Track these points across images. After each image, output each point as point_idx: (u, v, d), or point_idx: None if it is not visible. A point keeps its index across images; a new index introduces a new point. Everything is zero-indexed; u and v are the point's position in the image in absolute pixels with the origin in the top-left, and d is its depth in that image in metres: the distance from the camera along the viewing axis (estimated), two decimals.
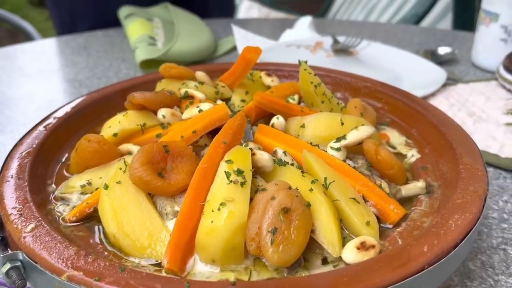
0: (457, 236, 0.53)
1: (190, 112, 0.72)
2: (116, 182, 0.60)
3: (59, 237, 0.53)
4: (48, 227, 0.55)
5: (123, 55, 1.62)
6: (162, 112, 0.73)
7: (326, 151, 0.69)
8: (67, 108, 0.83)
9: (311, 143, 0.69)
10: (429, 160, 0.75)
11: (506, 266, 0.70)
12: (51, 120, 0.78)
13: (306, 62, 0.77)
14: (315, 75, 0.78)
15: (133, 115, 0.74)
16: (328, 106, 0.79)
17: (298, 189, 0.56)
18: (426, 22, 2.55)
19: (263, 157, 0.60)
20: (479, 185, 0.61)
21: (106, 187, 0.59)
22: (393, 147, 0.80)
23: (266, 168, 0.61)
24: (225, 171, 0.55)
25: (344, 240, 0.57)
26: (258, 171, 0.61)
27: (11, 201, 0.59)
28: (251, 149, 0.61)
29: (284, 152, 0.64)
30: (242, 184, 0.54)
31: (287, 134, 0.70)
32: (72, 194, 0.65)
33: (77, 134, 0.78)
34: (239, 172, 0.55)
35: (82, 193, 0.65)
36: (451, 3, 2.51)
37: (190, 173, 0.60)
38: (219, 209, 0.53)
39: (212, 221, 0.52)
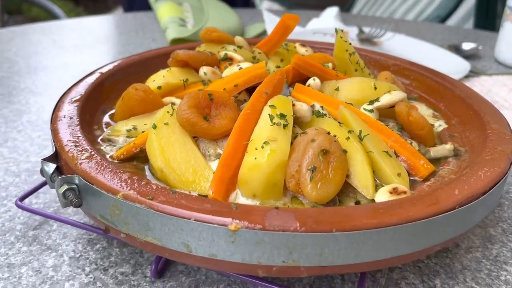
0: (486, 184, 0.56)
1: (231, 70, 0.76)
2: (164, 123, 0.64)
3: (112, 164, 0.57)
4: (101, 156, 0.59)
5: (153, 35, 1.67)
6: (204, 70, 0.77)
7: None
8: (111, 66, 0.87)
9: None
10: (456, 129, 0.78)
11: None
12: (96, 75, 0.83)
13: (342, 30, 0.81)
14: (350, 44, 0.82)
15: (176, 71, 0.78)
16: (361, 75, 0.82)
17: (336, 136, 0.60)
18: (448, 24, 2.57)
19: (303, 107, 0.64)
20: (507, 146, 0.64)
21: (154, 127, 0.63)
22: None
23: (304, 119, 0.64)
24: (269, 114, 0.59)
25: (376, 188, 0.60)
26: (297, 121, 0.65)
27: (65, 135, 0.63)
28: (291, 100, 0.65)
29: (322, 107, 0.67)
30: (285, 126, 0.58)
31: (323, 93, 0.73)
32: (118, 137, 0.70)
33: (122, 88, 0.82)
34: (282, 116, 0.59)
35: (127, 137, 0.70)
36: (474, 8, 2.53)
37: (233, 120, 0.64)
38: (262, 147, 0.56)
39: (255, 158, 0.56)
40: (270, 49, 0.88)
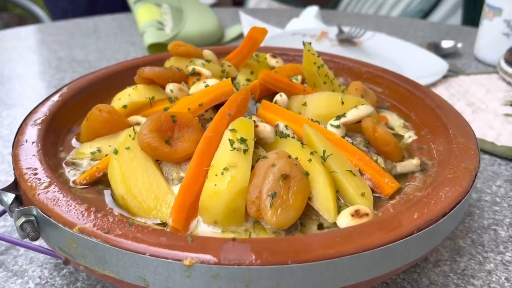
0: (446, 206, 0.56)
1: (197, 87, 0.75)
2: (126, 148, 0.63)
3: (71, 195, 0.56)
4: (60, 186, 0.58)
5: (132, 39, 1.65)
6: (170, 87, 0.76)
7: (326, 127, 0.72)
8: (80, 82, 0.86)
9: (312, 120, 0.72)
10: (425, 141, 0.78)
11: (496, 244, 0.74)
12: (64, 91, 0.82)
13: (310, 43, 0.80)
14: (318, 57, 0.81)
15: (142, 89, 0.77)
16: (330, 87, 0.82)
17: (297, 159, 0.59)
18: (435, 17, 2.56)
19: (266, 129, 0.63)
20: (471, 162, 0.64)
21: (115, 152, 0.62)
22: (392, 129, 0.83)
23: (268, 140, 0.64)
24: (229, 139, 0.58)
25: (339, 209, 0.60)
26: (260, 142, 0.64)
27: (25, 162, 0.62)
28: (254, 121, 0.65)
29: (286, 126, 0.67)
30: (245, 151, 0.57)
31: (289, 111, 0.73)
32: (82, 160, 0.69)
33: (88, 106, 0.81)
34: (242, 140, 0.58)
35: (92, 159, 0.69)
36: (462, 1, 2.52)
37: (196, 142, 0.63)
38: (222, 174, 0.56)
39: (215, 184, 0.55)
40: (239, 61, 0.87)
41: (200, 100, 0.70)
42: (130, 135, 0.64)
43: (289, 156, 0.58)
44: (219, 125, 0.63)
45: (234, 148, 0.58)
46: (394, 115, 0.87)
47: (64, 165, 0.69)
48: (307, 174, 0.58)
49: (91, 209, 0.54)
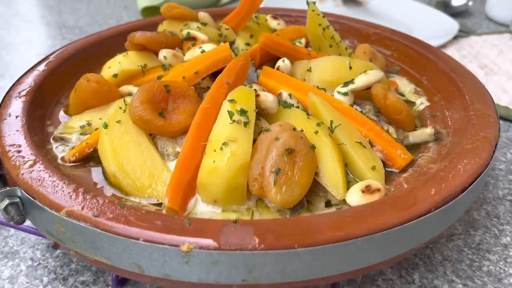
0: (465, 180, 0.51)
1: (192, 53, 0.70)
2: (116, 121, 0.58)
3: (58, 174, 0.52)
4: (46, 164, 0.53)
5: (125, 3, 1.57)
6: (163, 53, 0.71)
7: (333, 95, 0.67)
8: (68, 49, 0.80)
9: (317, 87, 0.67)
10: (438, 108, 0.72)
11: None
12: (51, 59, 0.76)
13: (314, 3, 0.73)
14: (323, 17, 0.75)
15: (133, 56, 0.71)
16: (336, 51, 0.76)
17: (303, 131, 0.55)
18: None
19: (268, 98, 0.58)
20: (490, 131, 0.59)
21: (105, 126, 0.57)
22: (402, 95, 0.78)
23: (270, 110, 0.59)
24: (228, 111, 0.53)
25: (348, 185, 0.55)
26: (262, 113, 0.59)
27: (9, 139, 0.58)
28: (255, 90, 0.59)
29: (290, 95, 0.62)
30: (245, 124, 0.53)
31: (293, 78, 0.67)
32: (71, 135, 0.64)
33: (78, 75, 0.75)
34: (242, 112, 0.53)
35: (81, 134, 0.64)
36: None
37: (192, 114, 0.58)
38: (221, 149, 0.51)
39: (214, 161, 0.51)
40: (238, 24, 0.81)
41: (195, 67, 0.64)
42: (120, 107, 0.59)
43: (294, 129, 0.53)
44: (217, 95, 0.58)
45: (234, 121, 0.53)
46: (404, 80, 0.81)
47: (52, 141, 0.64)
48: (313, 147, 0.54)
49: (80, 189, 0.49)
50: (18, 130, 0.59)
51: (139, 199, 0.54)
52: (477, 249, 0.64)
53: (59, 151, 0.62)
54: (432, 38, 1.16)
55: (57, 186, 0.50)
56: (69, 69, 0.77)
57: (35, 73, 0.73)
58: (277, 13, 0.95)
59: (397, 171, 0.60)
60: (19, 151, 0.56)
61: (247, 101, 0.55)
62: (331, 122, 0.58)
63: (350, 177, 0.58)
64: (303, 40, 0.78)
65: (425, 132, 0.65)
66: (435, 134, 0.65)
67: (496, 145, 0.57)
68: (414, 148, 0.64)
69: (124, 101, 0.60)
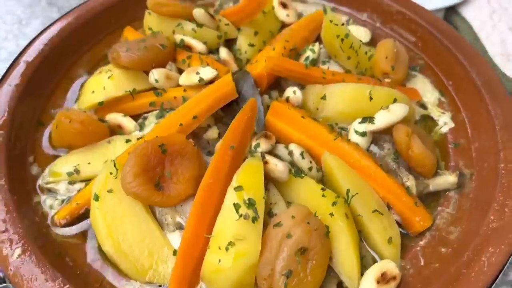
0: (489, 278, 0.48)
1: (189, 79, 0.60)
2: (108, 191, 0.52)
3: (49, 270, 0.48)
4: (36, 253, 0.49)
5: None
6: (155, 76, 0.61)
7: (349, 131, 0.59)
8: (44, 40, 0.68)
9: (332, 124, 0.59)
10: (463, 132, 0.65)
11: None
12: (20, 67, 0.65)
13: (332, 9, 0.61)
14: (343, 25, 0.63)
15: (120, 77, 0.61)
16: (355, 61, 0.66)
17: (316, 216, 0.49)
18: None
19: (278, 168, 0.51)
20: None
21: (96, 198, 0.51)
22: (424, 107, 0.69)
23: (280, 179, 0.52)
24: (234, 203, 0.47)
25: (362, 260, 0.52)
26: (271, 180, 0.53)
27: None
28: (263, 155, 0.52)
29: (302, 154, 0.54)
30: (254, 219, 0.47)
31: (304, 115, 0.58)
32: (58, 184, 0.58)
33: (56, 77, 0.68)
34: (250, 205, 0.47)
35: (69, 183, 0.58)
36: None
37: (192, 180, 0.52)
38: (227, 249, 0.46)
39: (219, 260, 0.47)
40: (240, 19, 0.68)
41: (194, 110, 0.55)
42: (111, 173, 0.52)
43: (308, 222, 0.47)
44: (221, 165, 0.51)
45: (241, 215, 0.47)
46: (428, 84, 0.72)
47: (38, 190, 0.58)
48: (327, 232, 0.49)
49: None
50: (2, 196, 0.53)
51: (139, 284, 0.51)
52: None
53: (47, 204, 0.57)
54: None
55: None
56: (44, 71, 0.67)
57: (6, 91, 0.63)
58: None
59: (414, 235, 0.56)
60: (5, 230, 0.51)
61: (256, 185, 0.49)
62: (348, 191, 0.52)
63: (364, 247, 0.54)
64: (316, 47, 0.66)
65: (447, 181, 0.59)
66: (458, 181, 0.59)
67: None
68: (434, 196, 0.60)
69: (114, 163, 0.53)
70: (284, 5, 0.70)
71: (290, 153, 0.55)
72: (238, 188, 0.48)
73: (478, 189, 0.58)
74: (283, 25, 0.72)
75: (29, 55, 0.67)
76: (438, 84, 0.72)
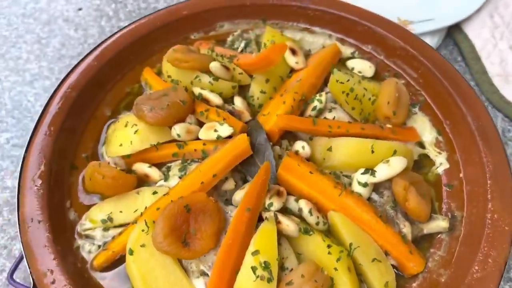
0: None
1: (207, 134, 0.66)
2: (141, 246, 0.60)
3: None
4: None
5: None
6: (177, 131, 0.67)
7: (352, 181, 0.66)
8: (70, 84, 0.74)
9: (338, 172, 0.66)
10: (457, 173, 0.71)
11: None
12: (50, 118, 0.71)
13: (339, 70, 0.66)
14: (348, 80, 0.68)
15: (145, 132, 0.68)
16: (359, 109, 0.72)
17: (323, 271, 0.57)
18: None
19: (289, 228, 0.59)
20: (502, 250, 0.61)
21: (131, 252, 0.59)
22: (422, 146, 0.75)
23: (291, 236, 0.60)
24: (251, 266, 0.55)
25: None
26: (284, 235, 0.60)
27: (41, 265, 0.60)
28: (276, 216, 0.59)
29: (310, 211, 0.61)
30: (269, 280, 0.55)
31: (312, 169, 0.65)
32: (95, 231, 0.66)
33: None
34: (266, 267, 0.55)
35: (104, 229, 0.66)
36: None
37: (214, 236, 0.60)
38: None
39: None
40: (254, 70, 0.73)
41: (213, 169, 0.62)
42: (143, 230, 0.60)
43: (315, 280, 0.55)
44: (239, 227, 0.58)
45: (258, 277, 0.55)
46: (427, 122, 0.77)
47: (77, 236, 0.66)
48: (331, 285, 0.57)
49: None
50: (45, 246, 0.61)
51: None
52: None
53: (86, 250, 0.65)
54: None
55: None
56: (73, 116, 0.74)
57: (41, 140, 0.69)
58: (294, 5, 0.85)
59: (408, 276, 0.64)
60: (53, 282, 0.59)
61: (270, 249, 0.56)
62: (350, 245, 0.60)
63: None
64: (323, 97, 0.71)
65: (439, 226, 0.66)
66: (450, 225, 0.67)
67: (505, 266, 0.60)
68: (427, 237, 0.67)
69: (146, 223, 0.60)
70: (293, 52, 0.75)
71: (300, 210, 0.62)
72: (255, 253, 0.56)
73: (466, 234, 0.66)
74: (292, 69, 0.76)
75: (57, 102, 0.73)
76: (437, 123, 0.77)
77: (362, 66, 0.82)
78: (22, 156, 0.68)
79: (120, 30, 0.82)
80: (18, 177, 0.66)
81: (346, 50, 0.85)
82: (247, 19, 0.88)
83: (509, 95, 0.94)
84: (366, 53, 0.85)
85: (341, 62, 0.84)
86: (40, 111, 0.72)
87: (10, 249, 0.77)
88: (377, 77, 0.83)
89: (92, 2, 1.12)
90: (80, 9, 1.10)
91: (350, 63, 0.83)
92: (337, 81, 0.68)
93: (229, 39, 0.84)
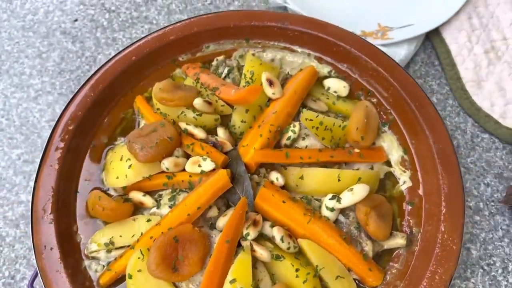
0: None
1: (192, 168, 0.75)
2: (138, 271, 0.70)
3: None
4: None
5: None
6: (166, 165, 0.76)
7: (322, 204, 0.75)
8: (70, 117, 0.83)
9: (310, 197, 0.76)
10: (417, 191, 0.80)
11: (464, 268, 0.85)
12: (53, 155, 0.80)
13: (309, 109, 0.74)
14: (317, 116, 0.76)
15: (138, 167, 0.77)
16: (329, 137, 0.79)
17: None
18: None
19: (263, 256, 0.69)
20: (448, 267, 0.70)
21: (130, 276, 0.70)
22: (389, 164, 0.83)
23: (265, 261, 0.70)
24: None
25: None
26: (258, 261, 0.71)
27: (56, 285, 0.71)
28: (251, 245, 0.69)
29: (282, 238, 0.71)
30: None
31: (285, 199, 0.74)
32: (99, 253, 0.76)
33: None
34: None
35: (107, 251, 0.76)
36: None
37: (199, 261, 0.70)
38: None
39: None
40: (235, 104, 0.81)
41: (197, 203, 0.72)
42: (139, 258, 0.71)
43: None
44: (220, 257, 0.68)
45: None
46: (395, 141, 0.85)
47: (84, 257, 0.77)
48: None
49: None
50: (57, 271, 0.72)
51: None
52: None
53: (93, 269, 0.76)
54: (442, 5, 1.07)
55: None
56: (75, 146, 0.83)
57: (47, 173, 0.79)
58: (274, 27, 0.90)
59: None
60: None
61: (245, 275, 0.67)
62: (316, 267, 0.70)
63: None
64: (296, 128, 0.79)
65: (398, 242, 0.76)
66: (407, 242, 0.76)
67: (450, 281, 0.70)
68: (388, 252, 0.77)
69: (141, 251, 0.71)
70: (270, 83, 0.81)
71: (272, 238, 0.72)
72: (232, 281, 0.66)
73: (421, 249, 0.75)
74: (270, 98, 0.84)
75: (59, 135, 0.82)
76: (403, 142, 0.85)
77: (337, 86, 0.88)
78: (34, 177, 0.78)
79: (112, 58, 0.89)
80: (31, 191, 0.77)
81: (324, 69, 0.91)
82: (231, 39, 0.93)
83: (480, 101, 1.00)
84: (342, 71, 0.91)
85: (318, 80, 0.90)
86: (49, 132, 0.81)
87: (29, 259, 0.88)
88: (351, 95, 0.90)
89: (87, 12, 1.17)
90: (75, 20, 1.16)
91: (326, 83, 0.89)
92: (306, 119, 0.76)
93: (214, 63, 0.90)
